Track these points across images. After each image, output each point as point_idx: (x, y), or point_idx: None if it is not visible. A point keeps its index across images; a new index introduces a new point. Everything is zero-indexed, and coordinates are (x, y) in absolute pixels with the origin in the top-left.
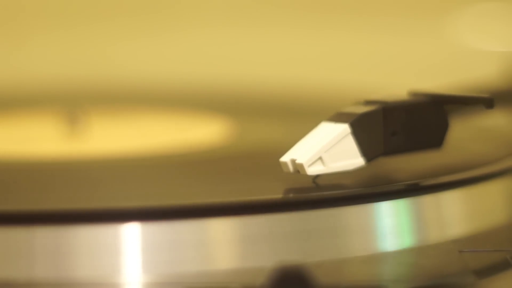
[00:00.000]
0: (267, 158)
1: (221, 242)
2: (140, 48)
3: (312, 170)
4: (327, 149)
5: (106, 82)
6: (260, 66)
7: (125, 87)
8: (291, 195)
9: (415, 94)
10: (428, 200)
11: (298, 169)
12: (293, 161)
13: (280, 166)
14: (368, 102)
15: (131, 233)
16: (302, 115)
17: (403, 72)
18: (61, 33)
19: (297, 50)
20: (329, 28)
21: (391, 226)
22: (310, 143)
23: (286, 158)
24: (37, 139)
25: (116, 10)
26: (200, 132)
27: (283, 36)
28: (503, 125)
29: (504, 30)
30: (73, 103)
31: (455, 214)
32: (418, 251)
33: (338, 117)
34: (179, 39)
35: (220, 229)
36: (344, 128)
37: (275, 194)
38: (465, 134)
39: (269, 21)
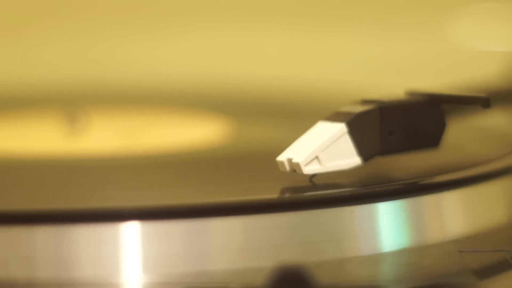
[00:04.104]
0: (265, 158)
1: (220, 242)
2: (140, 48)
3: (309, 169)
4: (324, 148)
5: (106, 82)
6: (258, 67)
7: (125, 87)
8: (287, 195)
9: (412, 94)
10: (428, 200)
11: (295, 168)
12: (289, 160)
13: (277, 165)
14: (365, 102)
15: (131, 232)
16: (300, 115)
17: (401, 71)
18: (62, 33)
19: (294, 50)
20: (327, 28)
21: (391, 226)
22: (307, 142)
23: (282, 157)
24: (37, 139)
25: (116, 10)
26: (199, 132)
27: (281, 37)
28: (503, 124)
29: (504, 30)
30: (73, 103)
31: (455, 214)
32: (418, 251)
33: (334, 117)
34: (179, 39)
35: (220, 229)
36: (340, 127)
37: (273, 194)
38: (463, 134)
39: (268, 22)
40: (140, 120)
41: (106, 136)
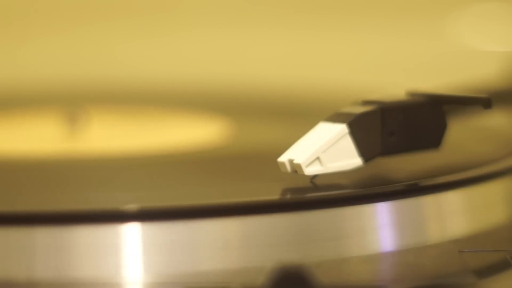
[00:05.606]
0: (265, 159)
1: (221, 242)
2: (140, 48)
3: (310, 170)
4: (325, 149)
5: (106, 82)
6: (259, 67)
7: (125, 87)
8: (288, 195)
9: (413, 94)
10: (428, 200)
11: (296, 169)
12: (291, 161)
13: (278, 166)
14: (366, 102)
15: (131, 233)
16: (301, 116)
17: (402, 72)
18: (62, 33)
19: (295, 50)
20: (328, 28)
21: (391, 226)
22: (308, 143)
23: (284, 158)
24: (37, 139)
25: (116, 10)
26: (199, 132)
27: (282, 36)
28: (503, 125)
29: (504, 30)
30: (73, 103)
31: (455, 214)
32: (418, 251)
33: (336, 117)
34: (179, 39)
35: (220, 229)
36: (342, 128)
37: (274, 194)
38: (464, 134)
39: (268, 22)
40: (140, 120)
41: (106, 136)
